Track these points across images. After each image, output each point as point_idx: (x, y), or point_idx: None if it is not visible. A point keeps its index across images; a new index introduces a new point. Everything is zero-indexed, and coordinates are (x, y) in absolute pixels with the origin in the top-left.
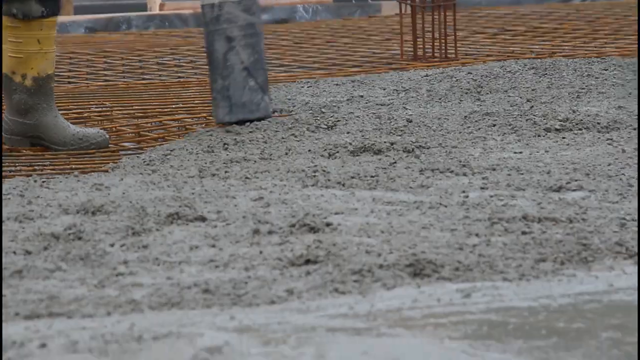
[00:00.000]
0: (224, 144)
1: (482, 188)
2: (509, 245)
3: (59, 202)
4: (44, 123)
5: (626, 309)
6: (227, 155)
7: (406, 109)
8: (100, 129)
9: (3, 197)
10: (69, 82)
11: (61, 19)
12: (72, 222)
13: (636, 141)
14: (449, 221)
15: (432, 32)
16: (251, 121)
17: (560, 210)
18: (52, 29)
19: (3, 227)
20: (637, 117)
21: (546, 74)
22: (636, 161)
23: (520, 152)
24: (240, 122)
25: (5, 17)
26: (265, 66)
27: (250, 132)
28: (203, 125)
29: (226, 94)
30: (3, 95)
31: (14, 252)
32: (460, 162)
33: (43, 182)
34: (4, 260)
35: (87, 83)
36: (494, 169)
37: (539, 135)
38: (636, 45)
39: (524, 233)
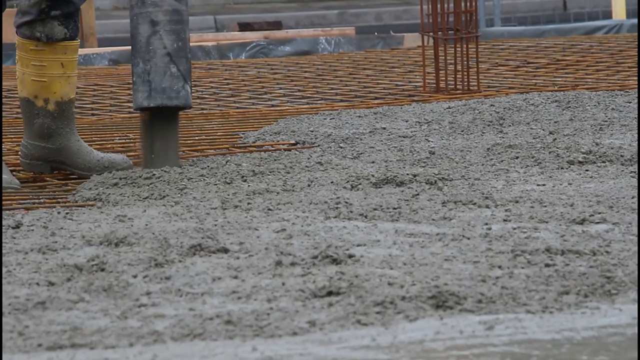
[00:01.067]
0: (242, 175)
1: (505, 220)
2: (532, 277)
3: (82, 234)
4: (67, 147)
5: None
6: (249, 187)
7: (428, 141)
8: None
9: (27, 228)
10: (93, 114)
11: (85, 50)
12: (95, 254)
13: None
14: (472, 253)
15: (454, 64)
16: (169, 108)
17: (583, 242)
18: (75, 52)
19: (27, 259)
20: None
21: (569, 106)
22: None
23: (544, 185)
24: (159, 109)
25: (29, 40)
26: (188, 55)
27: (272, 162)
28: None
29: (146, 79)
30: (23, 119)
31: (37, 284)
32: (483, 194)
33: (66, 213)
34: (27, 291)
35: (110, 115)
36: (516, 202)
37: (562, 168)
38: None
39: (547, 265)
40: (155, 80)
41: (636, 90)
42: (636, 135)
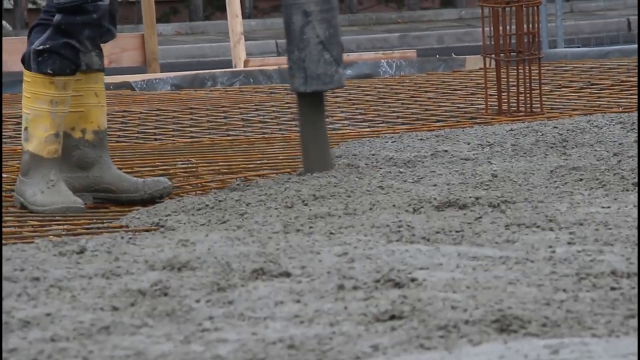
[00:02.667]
0: (303, 200)
1: (569, 243)
2: (598, 301)
3: (145, 259)
4: (111, 174)
5: None
6: (311, 210)
7: (491, 163)
8: (187, 185)
9: (91, 253)
10: (155, 139)
11: (148, 76)
12: (158, 278)
13: None
14: (536, 276)
15: (516, 86)
16: (325, 91)
17: None
18: (103, 82)
19: (91, 284)
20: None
21: (634, 128)
22: None
23: (608, 207)
24: (315, 93)
25: None
26: (340, 40)
27: (332, 186)
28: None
29: (302, 66)
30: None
31: (102, 309)
32: (546, 216)
33: (130, 238)
34: (92, 316)
35: (173, 140)
36: (581, 224)
37: (626, 190)
38: None
39: (612, 289)
40: (310, 68)
41: None
42: None
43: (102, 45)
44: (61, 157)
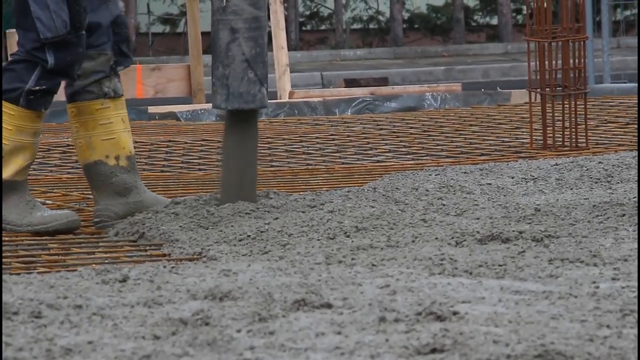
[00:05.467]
0: (345, 231)
1: (613, 279)
2: None
3: (187, 288)
4: (148, 198)
5: None
6: (353, 242)
7: (535, 197)
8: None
9: (134, 282)
10: (199, 169)
11: (193, 106)
12: (199, 308)
13: None
14: (579, 312)
15: (562, 120)
16: (245, 111)
17: None
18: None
19: (133, 312)
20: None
21: None
22: None
23: None
24: (236, 111)
25: (95, 101)
26: (266, 59)
27: (375, 219)
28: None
29: (225, 82)
30: (93, 185)
31: (143, 337)
32: (590, 252)
33: (172, 267)
34: (133, 345)
35: (217, 170)
36: (625, 260)
37: None
38: None
39: None
40: (233, 85)
41: None
42: None
43: (149, 75)
44: (98, 186)
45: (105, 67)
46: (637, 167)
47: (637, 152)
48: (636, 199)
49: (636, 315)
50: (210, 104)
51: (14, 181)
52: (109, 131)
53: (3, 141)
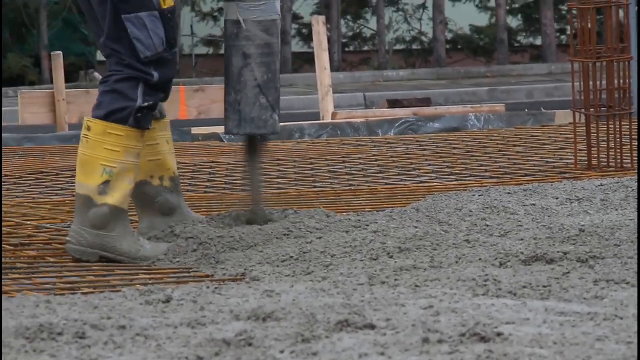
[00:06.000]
0: (388, 252)
1: None
2: None
3: (230, 309)
4: (191, 217)
5: None
6: (396, 263)
7: (579, 218)
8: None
9: (177, 302)
10: (243, 190)
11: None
12: (243, 329)
13: None
14: (625, 334)
15: (607, 141)
16: (259, 136)
17: None
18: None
19: (176, 333)
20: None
21: None
22: None
23: None
24: (248, 136)
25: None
26: (278, 85)
27: (418, 239)
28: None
29: (237, 108)
30: (140, 206)
31: (187, 358)
32: (636, 273)
33: (215, 288)
34: None
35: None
36: None
37: None
38: None
39: None
40: (245, 111)
41: None
42: None
43: (193, 97)
44: (143, 205)
45: None
46: None
47: None
48: None
49: None
50: None
51: (120, 209)
52: (154, 152)
53: (110, 165)
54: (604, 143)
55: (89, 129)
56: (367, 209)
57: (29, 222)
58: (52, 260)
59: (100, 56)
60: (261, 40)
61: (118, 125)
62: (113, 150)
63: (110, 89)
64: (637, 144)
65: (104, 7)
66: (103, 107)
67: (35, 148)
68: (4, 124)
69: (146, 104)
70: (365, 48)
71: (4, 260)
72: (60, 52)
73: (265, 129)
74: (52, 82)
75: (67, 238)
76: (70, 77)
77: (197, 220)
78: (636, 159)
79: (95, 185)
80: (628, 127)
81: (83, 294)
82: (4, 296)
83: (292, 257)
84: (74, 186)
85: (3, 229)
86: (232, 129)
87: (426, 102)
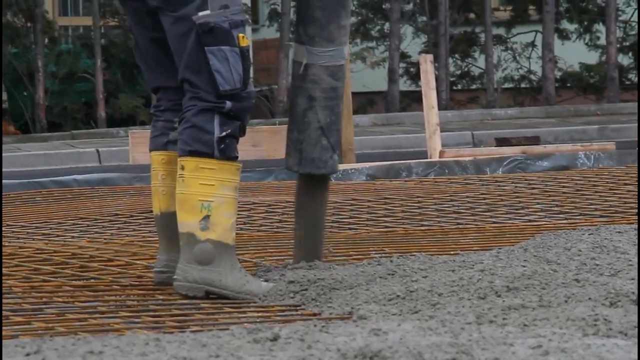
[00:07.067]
0: (496, 291)
1: None
2: None
3: (337, 347)
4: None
5: None
6: (504, 302)
7: None
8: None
9: (285, 341)
10: (350, 229)
11: (344, 166)
12: None
13: None
14: None
15: None
16: (317, 175)
17: None
18: None
19: None
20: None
21: None
22: None
23: None
24: (310, 176)
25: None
26: (340, 126)
27: (526, 278)
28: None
29: (298, 147)
30: (168, 234)
31: None
32: None
33: (322, 326)
34: None
35: (367, 229)
36: None
37: None
38: None
39: None
40: (306, 150)
41: None
42: None
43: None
44: (170, 236)
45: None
46: None
47: None
48: None
49: None
50: (361, 164)
51: (224, 244)
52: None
53: (207, 199)
54: None
55: (182, 167)
56: (474, 248)
57: (138, 262)
58: (161, 298)
59: None
60: (327, 84)
61: (206, 159)
62: (207, 184)
63: (189, 125)
64: None
65: (185, 39)
66: (187, 143)
67: (145, 187)
68: (116, 163)
69: (224, 133)
70: (473, 86)
71: (115, 298)
72: None
73: (325, 169)
74: None
75: (175, 276)
76: None
77: None
78: None
79: (196, 221)
80: None
81: (192, 332)
82: (114, 334)
83: (398, 295)
84: None
85: (114, 268)
86: (293, 166)
87: (535, 140)
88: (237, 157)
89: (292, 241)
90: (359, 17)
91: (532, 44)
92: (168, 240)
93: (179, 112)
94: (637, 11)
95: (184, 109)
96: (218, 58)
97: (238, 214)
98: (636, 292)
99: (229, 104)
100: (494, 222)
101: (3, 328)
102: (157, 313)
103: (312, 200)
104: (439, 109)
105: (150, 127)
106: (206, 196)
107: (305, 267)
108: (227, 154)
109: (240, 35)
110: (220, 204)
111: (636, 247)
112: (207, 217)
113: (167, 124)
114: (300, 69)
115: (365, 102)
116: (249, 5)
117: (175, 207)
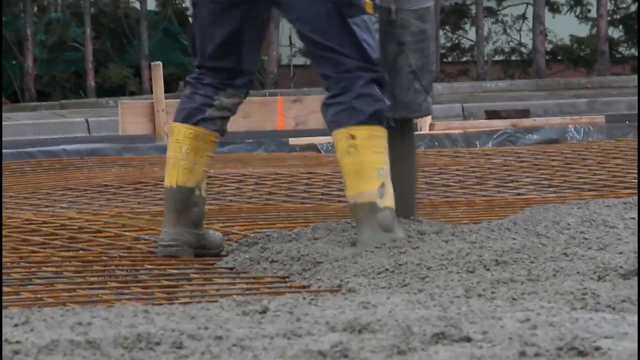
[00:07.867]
0: (484, 265)
1: None
2: None
3: (326, 320)
4: (207, 232)
5: None
6: (493, 275)
7: None
8: None
9: (273, 313)
10: (339, 202)
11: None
12: (338, 340)
13: None
14: None
15: None
16: (411, 119)
17: None
18: None
19: (272, 344)
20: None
21: None
22: None
23: None
24: (402, 121)
25: (213, 133)
26: (431, 68)
27: (515, 252)
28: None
29: (392, 93)
30: (176, 209)
31: None
32: None
33: (312, 299)
34: None
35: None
36: None
37: None
38: None
39: None
40: (399, 95)
41: None
42: None
43: (290, 107)
44: (181, 210)
45: (235, 109)
46: None
47: None
48: None
49: None
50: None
51: (395, 210)
52: (208, 163)
53: (382, 166)
54: None
55: (353, 137)
56: (464, 221)
57: (127, 233)
58: (150, 268)
59: None
60: (416, 27)
61: (378, 127)
62: (379, 152)
63: (359, 94)
64: None
65: (326, 16)
66: (361, 112)
67: (134, 158)
68: (105, 133)
69: (388, 102)
70: (464, 59)
71: (103, 269)
72: (160, 62)
73: (420, 112)
74: (151, 92)
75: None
76: (170, 87)
77: (216, 237)
78: None
79: (375, 189)
80: None
81: (180, 303)
82: (103, 305)
83: (387, 269)
84: None
85: (103, 239)
86: (386, 113)
87: (525, 113)
88: (391, 126)
89: (296, 212)
90: None
91: (523, 17)
92: (178, 214)
93: (220, 90)
94: None
95: (336, 83)
96: (362, 28)
97: (227, 186)
98: (624, 266)
99: (382, 71)
100: (484, 196)
101: None
102: (146, 284)
103: (409, 149)
104: None
105: (182, 97)
106: (380, 163)
107: (288, 238)
108: (389, 122)
109: (367, 1)
110: (387, 171)
111: (624, 221)
112: (383, 185)
113: (205, 99)
114: (392, 14)
115: None
116: None
117: (190, 183)
